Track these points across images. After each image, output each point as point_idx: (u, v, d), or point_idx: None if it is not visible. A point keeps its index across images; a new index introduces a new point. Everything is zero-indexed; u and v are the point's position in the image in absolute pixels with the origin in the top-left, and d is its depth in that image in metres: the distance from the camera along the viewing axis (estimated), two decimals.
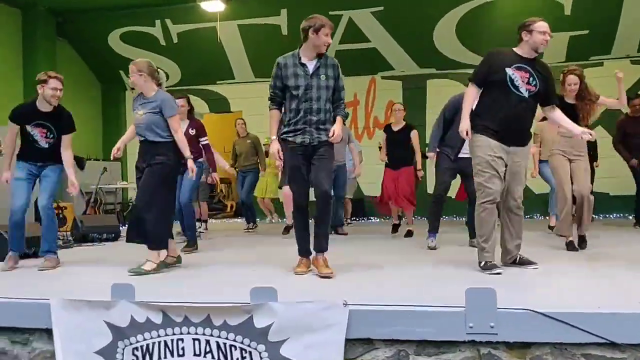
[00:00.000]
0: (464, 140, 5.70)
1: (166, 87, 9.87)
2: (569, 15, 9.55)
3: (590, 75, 10.66)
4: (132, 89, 11.99)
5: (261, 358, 3.04)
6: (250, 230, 8.72)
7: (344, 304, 2.97)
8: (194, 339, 3.14)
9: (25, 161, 4.96)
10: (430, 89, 10.80)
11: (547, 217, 8.04)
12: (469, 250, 5.33)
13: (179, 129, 4.70)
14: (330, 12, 10.02)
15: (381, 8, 9.85)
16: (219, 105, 11.81)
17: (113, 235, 7.35)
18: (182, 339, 3.16)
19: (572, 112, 5.35)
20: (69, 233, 7.69)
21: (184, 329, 3.15)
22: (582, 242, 5.50)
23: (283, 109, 4.36)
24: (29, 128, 4.94)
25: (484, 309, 2.82)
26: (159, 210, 4.55)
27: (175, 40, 10.94)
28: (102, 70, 11.92)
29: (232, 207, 13.76)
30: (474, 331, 2.83)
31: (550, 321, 2.76)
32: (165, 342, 3.17)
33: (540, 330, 2.78)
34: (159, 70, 4.84)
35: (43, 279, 4.52)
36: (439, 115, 6.05)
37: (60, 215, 9.20)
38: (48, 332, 3.38)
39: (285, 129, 4.25)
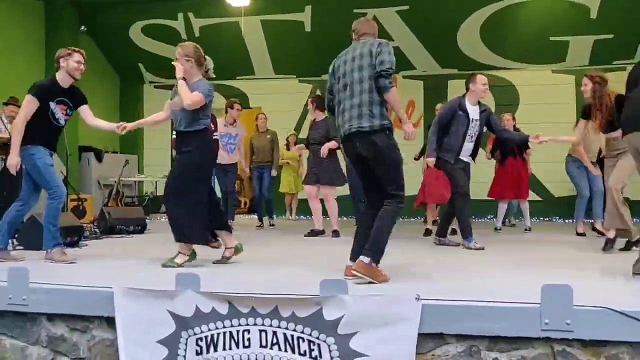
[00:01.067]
0: (462, 145, 5.84)
1: None
2: (594, 19, 9.56)
3: (612, 79, 10.70)
4: (151, 82, 12.06)
5: (330, 351, 3.01)
6: (261, 227, 8.65)
7: (416, 298, 2.95)
8: (260, 330, 3.11)
9: (44, 147, 4.72)
10: (452, 90, 10.77)
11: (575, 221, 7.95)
12: (525, 248, 5.35)
13: (196, 96, 4.34)
14: (355, 10, 10.03)
15: (406, 7, 9.84)
16: (238, 100, 11.77)
17: (139, 227, 7.32)
18: (248, 330, 3.13)
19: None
20: (91, 225, 7.67)
21: (250, 320, 3.12)
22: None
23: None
24: (52, 105, 4.73)
25: (560, 306, 2.80)
26: (184, 201, 4.42)
27: (197, 34, 10.92)
28: (121, 63, 11.90)
29: (245, 203, 13.73)
30: (549, 328, 2.81)
31: (628, 320, 2.75)
32: (230, 332, 3.14)
33: (618, 328, 2.76)
34: (205, 57, 4.69)
35: (99, 267, 4.48)
36: (435, 120, 6.08)
37: (81, 207, 9.22)
38: (108, 320, 3.35)
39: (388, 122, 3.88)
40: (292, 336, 3.08)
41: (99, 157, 10.77)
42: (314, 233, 7.21)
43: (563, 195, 10.46)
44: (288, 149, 10.10)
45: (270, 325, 3.10)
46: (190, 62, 4.51)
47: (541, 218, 10.41)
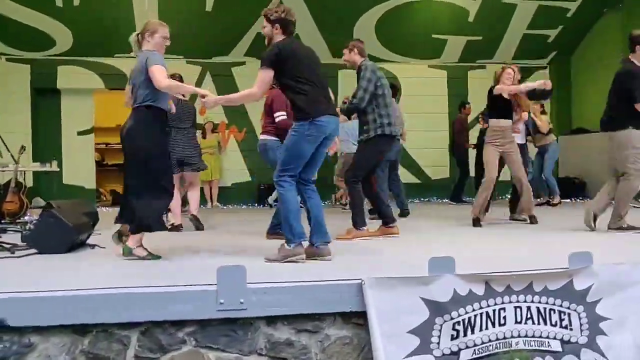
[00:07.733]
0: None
1: (53, 55, 9.50)
2: (471, 22, 10.84)
3: (474, 76, 12.21)
4: (4, 54, 10.13)
5: (580, 318, 3.23)
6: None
7: None
8: (515, 307, 3.18)
9: None
10: (341, 79, 11.23)
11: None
12: None
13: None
14: None
15: None
16: (116, 80, 10.49)
17: (92, 223, 6.26)
18: (503, 308, 3.17)
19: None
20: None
21: (506, 298, 3.17)
22: None
23: None
24: None
25: None
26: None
27: (76, 4, 9.55)
28: None
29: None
30: None
31: None
32: (487, 313, 3.14)
33: None
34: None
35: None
36: None
37: None
38: (343, 316, 3.07)
39: None
40: (545, 309, 3.22)
41: None
42: (177, 228, 6.08)
43: (438, 178, 11.74)
44: (204, 137, 9.48)
45: (525, 301, 3.20)
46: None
47: (421, 199, 11.48)
